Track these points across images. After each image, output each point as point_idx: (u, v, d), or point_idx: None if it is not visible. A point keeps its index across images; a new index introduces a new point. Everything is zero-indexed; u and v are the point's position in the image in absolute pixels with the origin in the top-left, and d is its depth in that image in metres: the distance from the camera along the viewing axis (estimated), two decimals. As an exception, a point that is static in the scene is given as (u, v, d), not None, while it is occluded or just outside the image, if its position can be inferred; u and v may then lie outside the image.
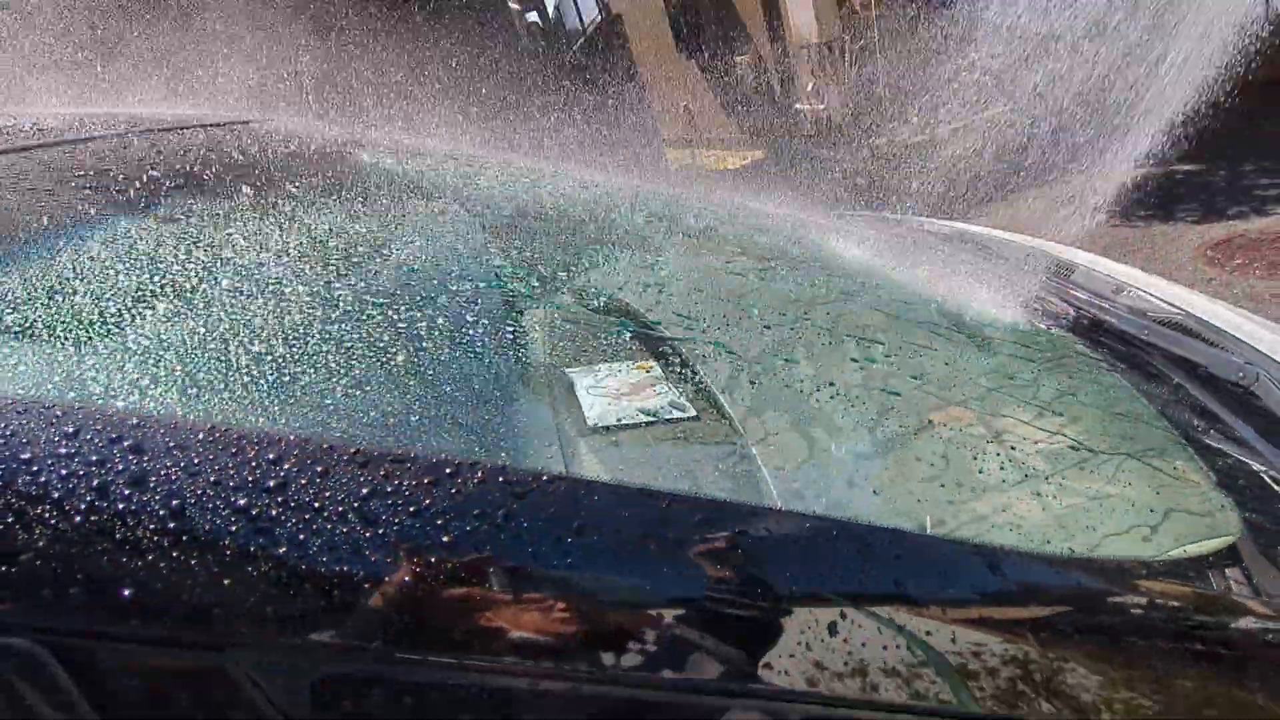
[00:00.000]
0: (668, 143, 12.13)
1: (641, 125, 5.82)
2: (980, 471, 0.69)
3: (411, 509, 0.35)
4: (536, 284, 1.23)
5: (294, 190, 1.02)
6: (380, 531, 0.35)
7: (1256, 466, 0.70)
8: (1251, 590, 0.55)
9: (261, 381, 0.57)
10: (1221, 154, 5.16)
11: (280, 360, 0.61)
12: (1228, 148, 5.28)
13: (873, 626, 0.37)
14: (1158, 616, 0.45)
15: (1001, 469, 0.69)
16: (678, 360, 1.02)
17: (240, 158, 1.03)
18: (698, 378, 0.96)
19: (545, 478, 0.41)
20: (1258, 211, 4.09)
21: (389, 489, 0.36)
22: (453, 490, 0.37)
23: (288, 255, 0.81)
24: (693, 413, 0.93)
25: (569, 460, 0.86)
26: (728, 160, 10.35)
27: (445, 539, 0.36)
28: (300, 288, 0.76)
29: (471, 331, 0.95)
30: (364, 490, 0.36)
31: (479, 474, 0.38)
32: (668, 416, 0.93)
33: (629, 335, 1.08)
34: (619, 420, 0.94)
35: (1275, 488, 0.68)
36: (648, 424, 0.93)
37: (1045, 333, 0.97)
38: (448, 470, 0.38)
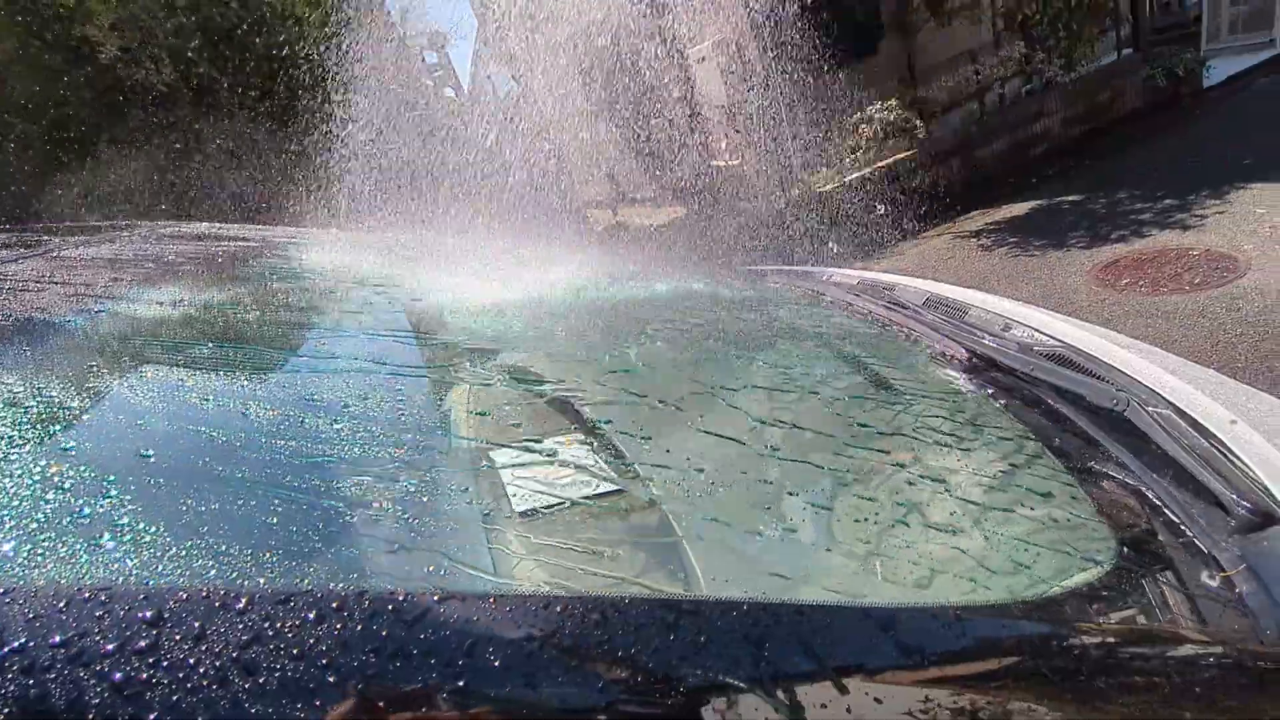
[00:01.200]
0: (593, 204, 12.41)
1: (560, 191, 5.96)
2: (873, 523, 0.72)
3: (291, 656, 0.34)
4: (456, 364, 1.22)
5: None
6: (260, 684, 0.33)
7: (1134, 487, 0.75)
8: (1141, 614, 0.58)
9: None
10: (1095, 186, 5.69)
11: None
12: (1099, 180, 5.85)
13: (770, 705, 0.37)
14: (1049, 655, 0.47)
15: (895, 519, 0.72)
16: (603, 434, 1.02)
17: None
18: (621, 451, 0.97)
19: (436, 598, 0.41)
20: (1136, 234, 4.50)
21: (266, 637, 0.34)
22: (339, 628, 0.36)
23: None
24: (617, 489, 0.93)
25: (495, 555, 0.84)
26: (652, 218, 10.68)
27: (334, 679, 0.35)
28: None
29: (376, 420, 0.94)
30: (241, 638, 0.35)
31: (362, 607, 0.38)
32: (592, 495, 0.93)
33: (555, 409, 1.09)
34: (546, 504, 0.94)
35: (1154, 509, 0.73)
36: (574, 504, 0.92)
37: (940, 375, 1.03)
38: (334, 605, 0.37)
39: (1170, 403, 0.89)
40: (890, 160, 6.46)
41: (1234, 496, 0.73)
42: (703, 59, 7.48)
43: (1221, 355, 2.95)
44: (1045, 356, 1.09)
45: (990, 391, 0.97)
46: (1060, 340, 1.13)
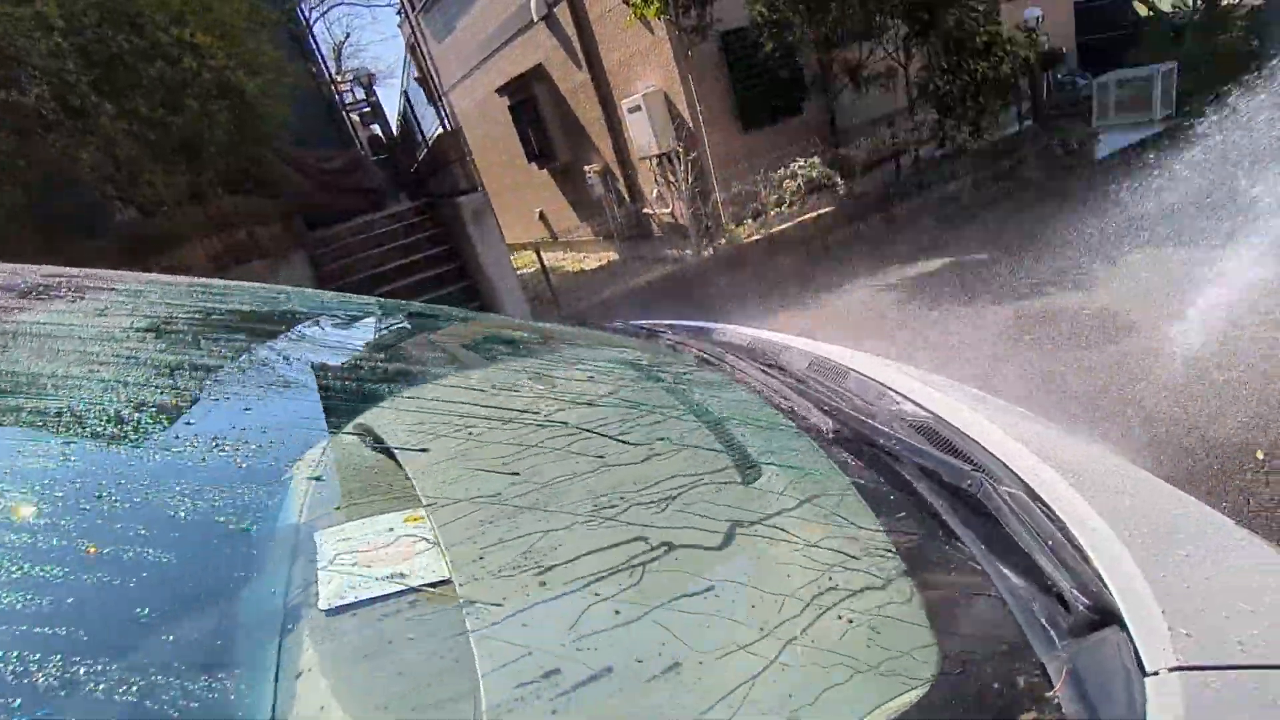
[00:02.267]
0: (527, 246, 12.35)
1: (483, 236, 5.89)
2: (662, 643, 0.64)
3: None
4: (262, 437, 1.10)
5: None
6: None
7: (973, 583, 0.71)
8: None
9: None
10: (1002, 246, 6.05)
11: None
12: (1005, 240, 6.22)
13: None
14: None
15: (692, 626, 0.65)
16: (452, 509, 0.92)
17: None
18: (462, 528, 0.87)
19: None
20: (1038, 293, 4.76)
21: None
22: None
23: None
24: (444, 577, 0.83)
25: (283, 665, 0.72)
26: (585, 262, 10.72)
27: None
28: None
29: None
30: None
31: None
32: (416, 584, 0.82)
33: (404, 479, 0.98)
34: (357, 597, 0.82)
35: (991, 608, 0.69)
36: (391, 595, 0.81)
37: (799, 450, 0.98)
38: None
39: (1024, 483, 0.87)
40: (813, 214, 6.72)
41: (1074, 591, 0.69)
42: (635, 109, 7.65)
43: (1104, 415, 3.09)
44: (912, 427, 1.07)
45: (844, 466, 0.93)
46: (929, 411, 1.11)
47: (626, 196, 9.20)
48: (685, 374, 1.31)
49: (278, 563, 0.87)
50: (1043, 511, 0.80)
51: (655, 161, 7.85)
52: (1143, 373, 3.33)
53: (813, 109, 7.78)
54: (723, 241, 6.58)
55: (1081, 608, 0.68)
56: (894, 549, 0.77)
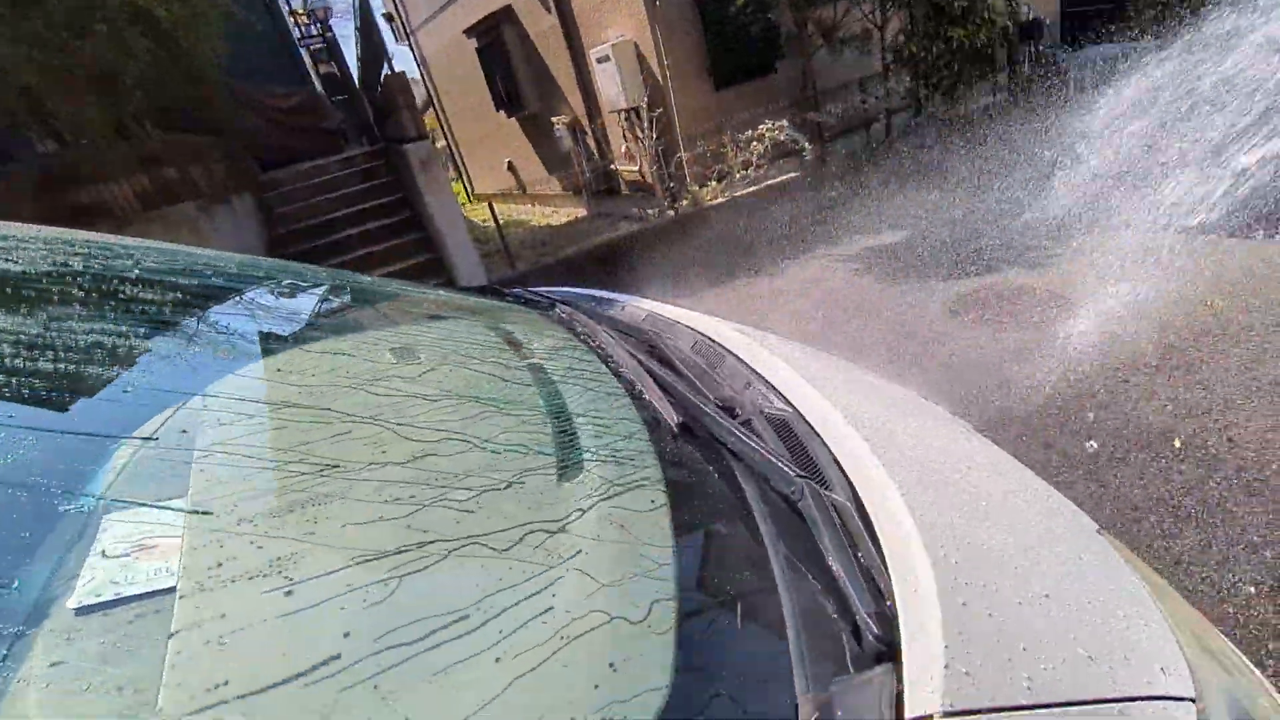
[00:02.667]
0: (493, 197, 12.08)
1: (431, 186, 5.67)
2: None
3: None
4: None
5: None
6: None
7: (768, 604, 0.65)
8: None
9: None
10: (967, 220, 6.01)
11: None
12: (972, 214, 6.18)
13: None
14: None
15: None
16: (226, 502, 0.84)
17: None
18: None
19: None
20: (992, 270, 4.74)
21: None
22: None
23: None
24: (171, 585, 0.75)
25: (15, 670, 0.65)
26: (552, 217, 10.48)
27: None
28: None
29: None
30: None
31: None
32: (161, 586, 0.75)
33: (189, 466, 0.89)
34: (113, 595, 0.75)
35: (777, 634, 0.63)
36: (145, 596, 0.74)
37: (635, 440, 0.92)
38: None
39: (854, 491, 0.82)
40: (780, 179, 6.59)
41: (865, 619, 0.64)
42: (603, 59, 7.36)
43: (1030, 403, 3.09)
44: (769, 421, 1.01)
45: (671, 465, 0.87)
46: (791, 405, 1.05)
47: (595, 151, 8.95)
48: (536, 353, 1.23)
49: (52, 550, 0.79)
50: (863, 526, 0.75)
51: (623, 116, 7.61)
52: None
53: (786, 69, 7.56)
54: (685, 203, 6.44)
55: (870, 638, 0.63)
56: (686, 558, 0.72)
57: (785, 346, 1.35)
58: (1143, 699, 0.69)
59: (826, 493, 0.80)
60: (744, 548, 0.74)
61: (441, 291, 1.81)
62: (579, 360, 1.23)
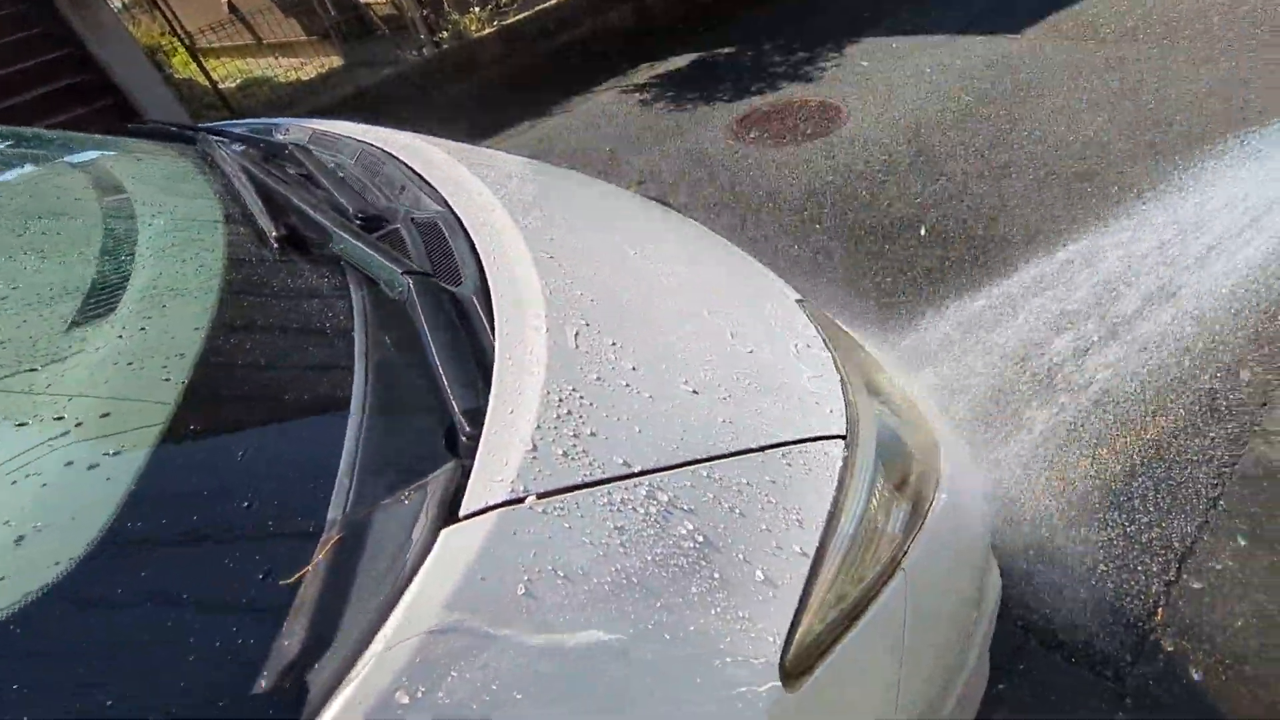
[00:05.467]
0: (226, 51, 10.12)
1: (92, 30, 4.49)
2: None
3: None
4: None
5: None
6: None
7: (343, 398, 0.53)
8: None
9: None
10: (749, 38, 5.95)
11: None
12: (753, 31, 6.12)
13: None
14: None
15: None
16: None
17: None
18: None
19: None
20: (771, 88, 4.77)
21: None
22: None
23: None
24: None
25: None
26: (301, 71, 8.97)
27: None
28: None
29: None
30: None
31: None
32: None
33: None
34: None
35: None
36: None
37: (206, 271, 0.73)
38: None
39: (483, 280, 0.70)
40: (554, 2, 6.02)
41: (460, 417, 0.54)
42: None
43: (810, 202, 3.23)
44: (417, 224, 0.85)
45: (249, 278, 0.70)
46: (446, 206, 0.90)
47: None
48: (132, 191, 0.96)
49: None
50: (483, 326, 0.64)
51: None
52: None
53: None
54: (444, 35, 5.71)
55: (463, 438, 0.54)
56: (217, 362, 0.57)
57: (467, 153, 1.17)
58: (792, 442, 0.67)
59: (449, 287, 0.67)
60: (322, 358, 0.60)
61: (46, 132, 1.38)
62: (186, 193, 0.97)
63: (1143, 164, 2.88)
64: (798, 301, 1.00)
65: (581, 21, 6.15)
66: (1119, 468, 1.73)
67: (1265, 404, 1.79)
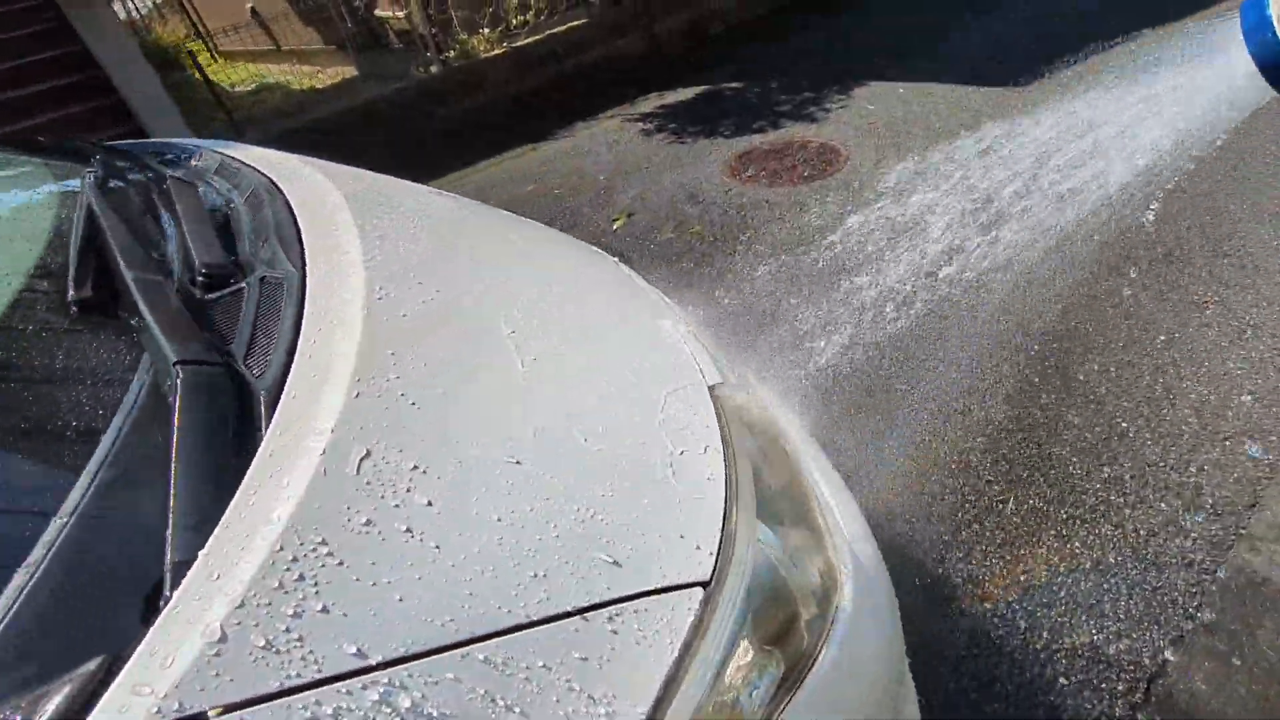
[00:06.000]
0: (248, 55, 10.24)
1: (91, 27, 4.49)
2: None
3: None
4: None
5: None
6: None
7: None
8: None
9: None
10: (757, 73, 5.91)
11: None
12: (762, 67, 6.09)
13: None
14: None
15: None
16: None
17: None
18: None
19: None
20: (774, 126, 4.70)
21: None
22: None
23: None
24: None
25: None
26: (315, 79, 9.03)
27: None
28: None
29: None
30: None
31: None
32: None
33: None
34: None
35: None
36: None
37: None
38: None
39: (283, 377, 0.59)
40: (564, 28, 6.00)
41: (167, 570, 0.43)
42: None
43: (786, 248, 3.13)
44: (263, 284, 0.75)
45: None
46: (296, 267, 0.79)
47: (354, -7, 7.67)
48: None
49: None
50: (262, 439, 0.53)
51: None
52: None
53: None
54: (452, 54, 5.69)
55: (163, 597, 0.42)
56: None
57: (382, 195, 1.07)
58: (629, 598, 0.55)
59: (250, 377, 0.57)
60: (46, 457, 0.49)
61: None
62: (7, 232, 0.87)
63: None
64: (712, 388, 0.88)
65: (591, 47, 6.13)
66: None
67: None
